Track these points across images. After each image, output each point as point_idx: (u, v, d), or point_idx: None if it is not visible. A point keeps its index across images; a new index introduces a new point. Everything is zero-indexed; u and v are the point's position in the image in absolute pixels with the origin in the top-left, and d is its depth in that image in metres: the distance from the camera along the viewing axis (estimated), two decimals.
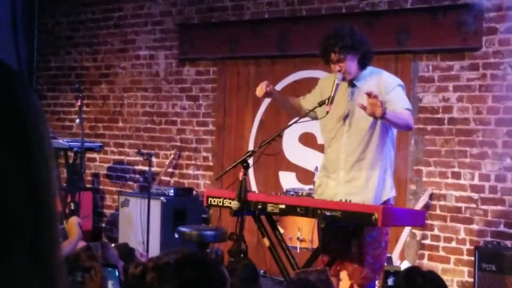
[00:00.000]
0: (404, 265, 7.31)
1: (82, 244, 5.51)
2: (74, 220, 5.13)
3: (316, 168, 6.83)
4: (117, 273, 4.03)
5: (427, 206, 7.65)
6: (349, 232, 5.59)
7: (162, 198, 8.99)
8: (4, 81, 1.05)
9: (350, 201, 5.48)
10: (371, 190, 5.72)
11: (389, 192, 5.76)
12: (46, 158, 1.05)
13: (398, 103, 5.63)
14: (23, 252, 0.99)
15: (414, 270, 4.09)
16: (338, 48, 5.64)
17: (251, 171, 8.64)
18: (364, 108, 5.31)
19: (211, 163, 9.59)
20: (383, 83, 5.71)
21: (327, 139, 5.93)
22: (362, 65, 5.75)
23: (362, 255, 5.70)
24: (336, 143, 5.84)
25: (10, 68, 1.08)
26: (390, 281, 4.33)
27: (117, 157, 10.58)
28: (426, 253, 7.82)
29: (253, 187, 8.84)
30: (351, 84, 5.80)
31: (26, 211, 1.00)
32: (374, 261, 5.73)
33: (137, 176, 10.35)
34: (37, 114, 1.06)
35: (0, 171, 0.99)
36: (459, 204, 7.63)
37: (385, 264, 5.94)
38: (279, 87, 8.95)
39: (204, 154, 9.67)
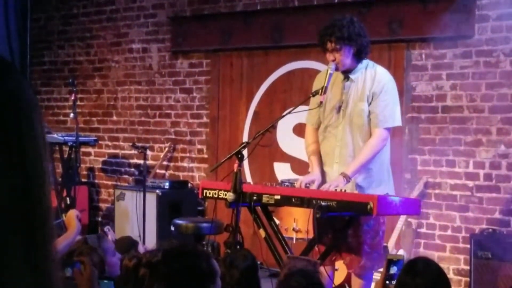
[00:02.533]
0: (400, 254, 7.32)
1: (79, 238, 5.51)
2: (73, 213, 5.11)
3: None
4: (113, 286, 4.02)
5: (422, 195, 7.65)
6: (345, 222, 5.60)
7: (157, 191, 8.99)
8: None
9: (345, 190, 5.48)
10: (365, 186, 5.74)
11: (383, 189, 5.75)
12: (40, 152, 1.04)
13: (377, 117, 5.68)
14: (16, 249, 0.98)
15: (415, 258, 4.11)
16: (334, 38, 5.64)
17: (245, 163, 8.64)
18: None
19: (205, 156, 9.59)
20: (377, 80, 5.72)
21: (321, 130, 5.93)
22: (358, 58, 5.74)
23: (360, 244, 5.71)
24: (331, 136, 5.84)
25: (4, 61, 1.07)
26: (393, 270, 4.33)
27: (112, 151, 10.57)
28: (422, 241, 7.83)
29: (248, 178, 8.85)
30: (347, 77, 5.80)
31: (19, 206, 0.99)
32: (371, 251, 5.74)
33: (132, 169, 10.35)
34: (31, 107, 1.05)
35: None
36: (454, 192, 7.64)
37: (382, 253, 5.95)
38: (272, 78, 8.95)
39: (199, 146, 9.66)
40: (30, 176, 1.01)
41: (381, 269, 6.17)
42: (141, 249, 5.48)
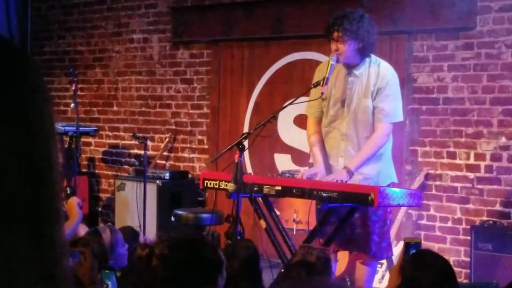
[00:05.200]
0: (400, 245, 7.32)
1: (82, 227, 5.49)
2: (73, 200, 5.09)
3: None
4: (114, 277, 4.01)
5: (422, 186, 7.65)
6: (346, 213, 5.59)
7: (158, 181, 8.99)
8: (5, 58, 1.03)
9: (346, 181, 5.48)
10: (369, 178, 5.75)
11: (387, 181, 5.77)
12: (48, 137, 1.02)
13: (382, 112, 5.70)
14: (22, 236, 0.97)
15: (421, 251, 4.10)
16: (342, 29, 5.64)
17: (246, 154, 8.64)
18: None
19: (206, 146, 9.58)
20: (381, 75, 5.74)
21: (325, 124, 5.94)
22: (362, 55, 5.74)
23: (369, 234, 5.72)
24: (335, 130, 5.85)
25: (13, 45, 1.06)
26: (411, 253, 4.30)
27: (112, 141, 10.57)
28: (422, 233, 7.83)
29: (249, 169, 8.84)
30: (350, 72, 5.80)
31: (25, 192, 0.98)
32: (380, 240, 5.76)
33: (133, 160, 10.34)
34: (39, 92, 1.04)
35: None
36: (455, 184, 7.63)
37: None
38: (273, 69, 8.94)
39: (199, 137, 9.66)
40: (37, 160, 1.00)
41: (382, 261, 6.20)
42: (141, 240, 5.48)
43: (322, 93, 5.71)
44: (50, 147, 1.02)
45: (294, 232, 6.07)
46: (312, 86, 5.80)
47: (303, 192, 5.50)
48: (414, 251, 4.15)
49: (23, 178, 0.98)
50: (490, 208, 7.41)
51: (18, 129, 0.99)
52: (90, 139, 10.69)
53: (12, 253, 0.96)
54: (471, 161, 7.53)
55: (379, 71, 5.74)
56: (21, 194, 0.98)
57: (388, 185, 5.65)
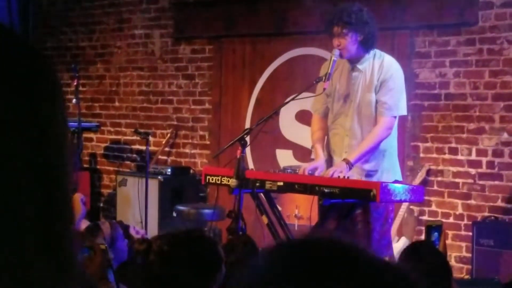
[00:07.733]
0: (402, 241, 7.33)
1: (83, 222, 5.50)
2: (77, 196, 5.11)
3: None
4: (112, 272, 4.01)
5: (424, 182, 7.65)
6: (348, 209, 5.60)
7: (159, 177, 8.99)
8: (23, 58, 1.02)
9: (348, 177, 5.48)
10: (370, 175, 5.75)
11: (392, 176, 5.77)
12: (62, 137, 1.02)
13: (384, 106, 5.69)
14: (36, 234, 0.96)
15: (418, 243, 4.10)
16: (341, 23, 5.65)
17: (248, 149, 8.62)
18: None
19: (208, 142, 9.58)
20: (384, 69, 5.73)
21: (330, 121, 5.94)
22: (365, 47, 5.74)
23: (369, 232, 5.72)
24: (340, 127, 5.85)
25: (31, 45, 1.05)
26: (434, 236, 4.28)
27: (114, 136, 10.56)
28: (424, 228, 7.82)
29: (250, 165, 8.83)
30: (354, 67, 5.79)
31: (38, 192, 0.97)
32: (380, 238, 5.75)
33: (134, 155, 10.34)
34: (54, 92, 1.03)
35: (7, 152, 0.96)
36: (457, 180, 7.63)
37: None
38: (275, 65, 8.93)
39: (201, 132, 9.66)
40: (47, 160, 1.00)
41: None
42: (132, 231, 5.48)
43: (324, 89, 5.71)
44: (64, 146, 1.02)
45: (296, 228, 6.07)
46: (314, 82, 5.80)
47: (305, 188, 5.51)
48: (436, 233, 4.14)
49: (36, 177, 0.98)
50: (491, 204, 7.41)
51: (33, 129, 0.98)
52: (92, 135, 10.68)
53: (24, 252, 0.95)
54: (473, 157, 7.53)
55: (382, 65, 5.74)
56: (33, 194, 0.97)
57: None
